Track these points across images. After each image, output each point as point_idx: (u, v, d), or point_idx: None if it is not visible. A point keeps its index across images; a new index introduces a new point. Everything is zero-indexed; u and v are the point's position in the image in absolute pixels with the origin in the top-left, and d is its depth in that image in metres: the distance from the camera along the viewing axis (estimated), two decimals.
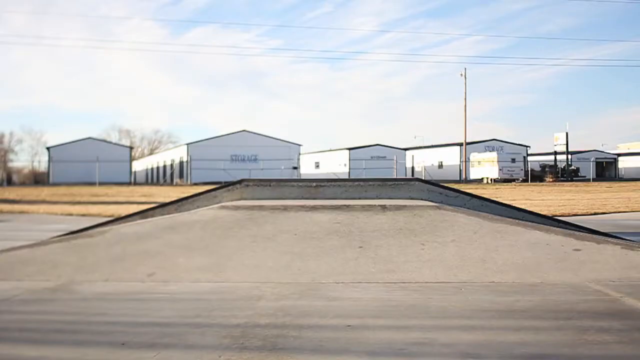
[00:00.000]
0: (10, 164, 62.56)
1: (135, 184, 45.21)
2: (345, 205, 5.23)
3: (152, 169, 64.43)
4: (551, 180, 43.36)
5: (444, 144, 60.40)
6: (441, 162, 57.67)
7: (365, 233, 4.62)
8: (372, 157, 53.36)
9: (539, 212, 7.00)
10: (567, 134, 49.11)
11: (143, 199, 17.58)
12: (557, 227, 5.52)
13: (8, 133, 68.17)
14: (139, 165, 68.07)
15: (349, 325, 2.70)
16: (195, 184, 38.83)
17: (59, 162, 49.27)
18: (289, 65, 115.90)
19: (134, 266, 4.10)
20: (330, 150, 63.10)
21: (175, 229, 4.86)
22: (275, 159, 47.66)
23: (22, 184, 50.57)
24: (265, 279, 3.81)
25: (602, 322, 2.72)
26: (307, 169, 59.38)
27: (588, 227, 6.04)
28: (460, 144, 51.20)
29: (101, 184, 37.77)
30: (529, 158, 51.35)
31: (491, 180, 43.13)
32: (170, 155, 56.86)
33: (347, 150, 57.13)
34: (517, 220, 5.33)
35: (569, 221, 6.56)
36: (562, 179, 45.09)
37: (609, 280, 3.72)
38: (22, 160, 72.79)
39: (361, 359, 2.24)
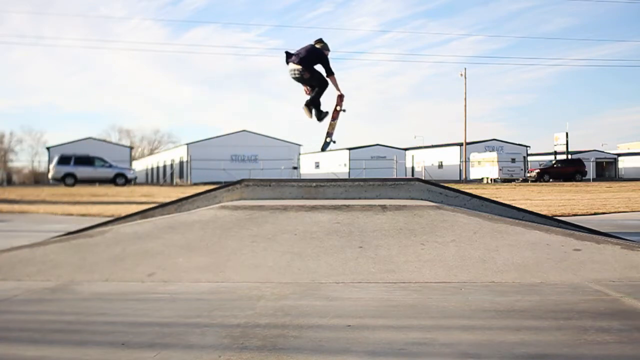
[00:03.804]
0: (10, 164, 62.73)
1: (136, 184, 45.15)
2: (345, 205, 5.23)
3: (152, 169, 64.44)
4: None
5: (444, 144, 60.37)
6: (441, 162, 57.65)
7: (365, 233, 4.62)
8: (372, 157, 53.33)
9: (539, 212, 6.99)
10: (567, 134, 49.11)
11: (143, 199, 17.55)
12: (557, 227, 5.52)
13: (8, 133, 68.41)
14: (139, 165, 68.06)
15: (349, 325, 2.70)
16: (195, 184, 38.79)
17: None
18: None
19: (134, 266, 4.10)
20: (330, 150, 62.86)
21: (175, 229, 4.86)
22: (275, 159, 47.63)
23: (22, 184, 50.53)
24: (265, 279, 3.81)
25: (602, 322, 2.72)
26: (307, 169, 59.36)
27: (588, 227, 6.04)
28: (460, 144, 51.18)
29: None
30: (529, 158, 51.33)
31: (491, 180, 43.08)
32: (170, 155, 56.85)
33: (347, 150, 57.08)
34: (517, 220, 5.32)
35: (569, 221, 6.55)
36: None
37: (609, 280, 3.72)
38: (22, 160, 73.04)
39: (361, 359, 2.24)
